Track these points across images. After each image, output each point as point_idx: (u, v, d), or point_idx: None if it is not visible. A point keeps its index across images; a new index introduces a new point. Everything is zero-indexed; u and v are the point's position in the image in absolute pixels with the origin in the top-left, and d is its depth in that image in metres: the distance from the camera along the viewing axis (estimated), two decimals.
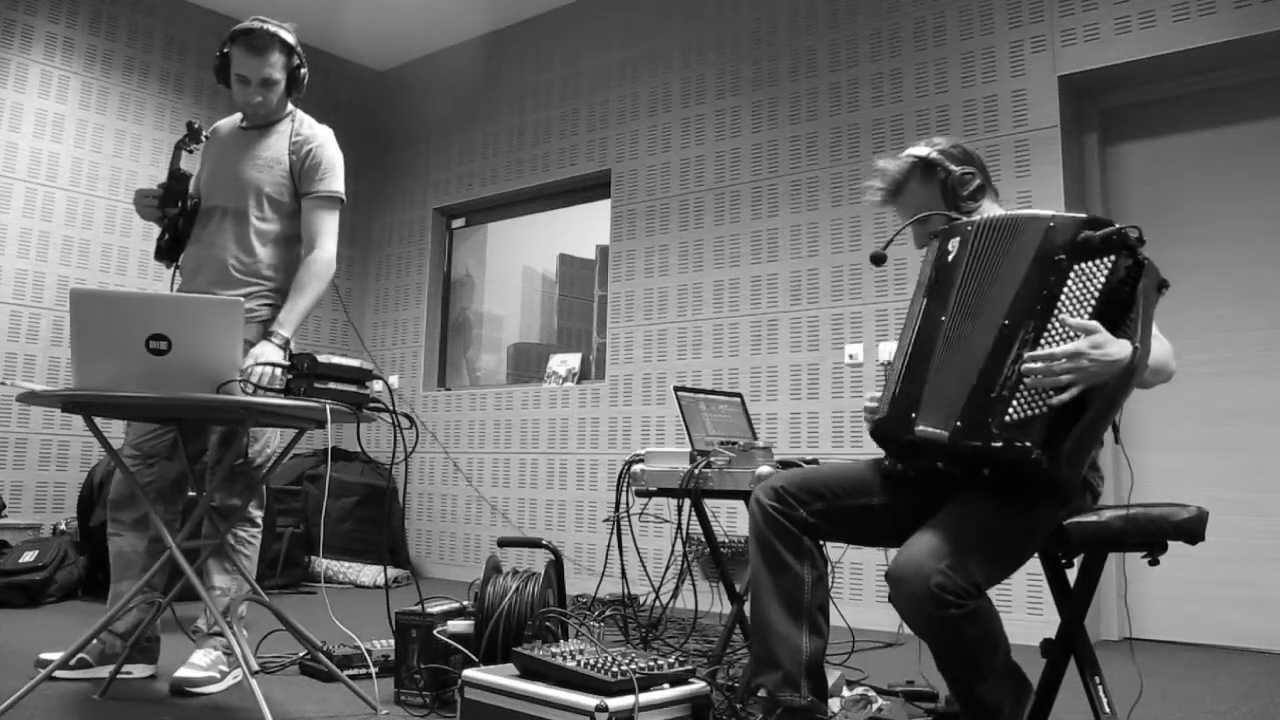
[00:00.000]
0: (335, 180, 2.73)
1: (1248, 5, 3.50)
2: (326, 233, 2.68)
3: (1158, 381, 1.79)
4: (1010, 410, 1.61)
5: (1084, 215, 1.67)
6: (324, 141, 2.75)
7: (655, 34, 5.20)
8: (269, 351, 2.43)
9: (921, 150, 2.03)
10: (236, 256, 2.66)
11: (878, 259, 1.99)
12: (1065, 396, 1.57)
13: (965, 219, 1.85)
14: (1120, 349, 1.58)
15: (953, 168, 1.97)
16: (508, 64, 5.89)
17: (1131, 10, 3.74)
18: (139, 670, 2.57)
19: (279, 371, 2.28)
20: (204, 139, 2.70)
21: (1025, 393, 1.61)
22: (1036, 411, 1.59)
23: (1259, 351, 3.63)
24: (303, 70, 2.72)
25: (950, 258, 1.80)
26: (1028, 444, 1.58)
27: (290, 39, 2.67)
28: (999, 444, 1.60)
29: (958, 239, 1.80)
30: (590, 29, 5.50)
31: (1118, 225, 1.62)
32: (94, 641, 2.52)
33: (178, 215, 2.72)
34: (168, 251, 2.77)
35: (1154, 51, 3.68)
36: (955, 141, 2.06)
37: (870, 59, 4.40)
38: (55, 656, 2.48)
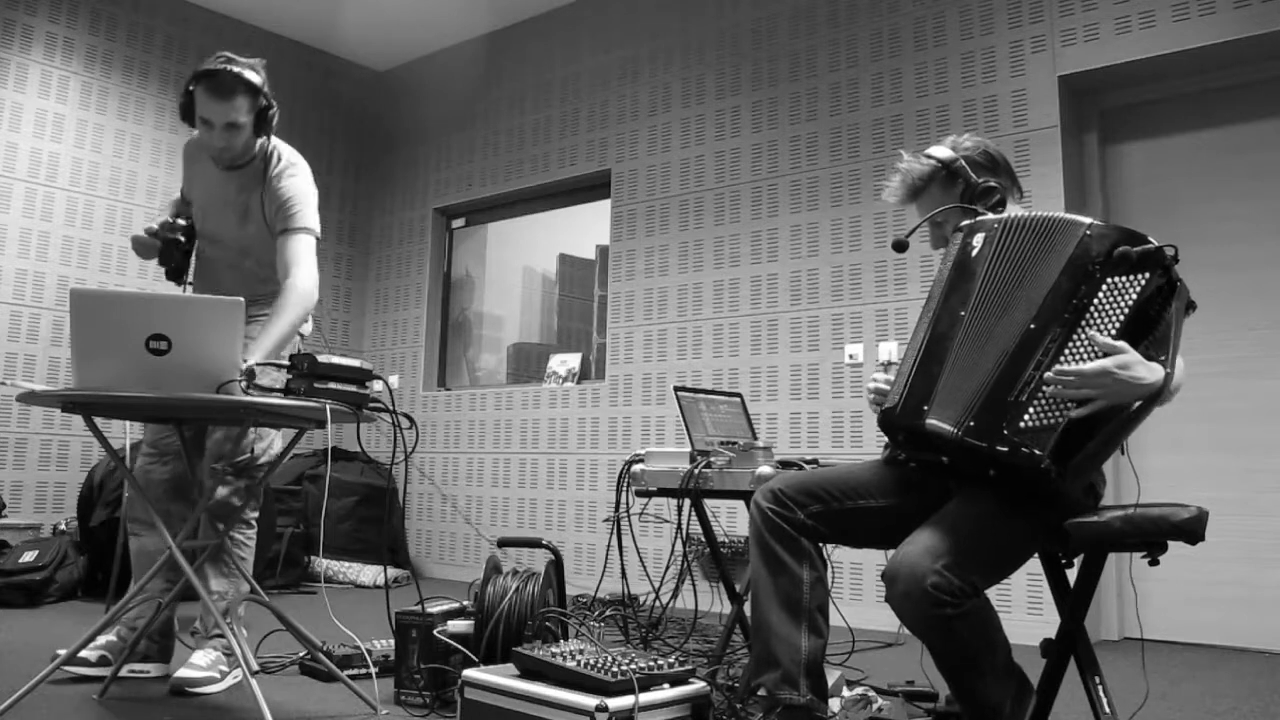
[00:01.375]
0: (306, 216, 2.60)
1: (1248, 5, 3.51)
2: (301, 262, 2.54)
3: (1165, 401, 1.78)
4: (1027, 416, 1.59)
5: (1120, 227, 1.64)
6: (293, 175, 2.63)
7: (655, 34, 5.20)
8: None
9: (945, 153, 1.98)
10: (239, 294, 2.67)
11: (900, 246, 1.94)
12: (1084, 410, 1.56)
13: (991, 216, 1.82)
14: (1150, 372, 1.56)
15: (974, 178, 1.94)
16: (508, 64, 5.89)
17: (1131, 10, 3.74)
18: (155, 669, 2.57)
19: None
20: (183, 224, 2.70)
21: (1044, 401, 1.58)
22: (1053, 421, 1.57)
23: (1259, 351, 3.63)
24: (272, 111, 2.58)
25: (974, 253, 1.76)
26: (1039, 452, 1.56)
27: (257, 80, 2.52)
28: (1009, 448, 1.58)
29: (982, 235, 1.77)
30: (590, 29, 5.50)
31: (1155, 243, 1.60)
32: (115, 639, 2.54)
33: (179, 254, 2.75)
34: (174, 275, 2.79)
35: (1154, 51, 3.68)
36: (981, 144, 2.00)
37: (870, 59, 4.39)
38: (84, 654, 2.49)
